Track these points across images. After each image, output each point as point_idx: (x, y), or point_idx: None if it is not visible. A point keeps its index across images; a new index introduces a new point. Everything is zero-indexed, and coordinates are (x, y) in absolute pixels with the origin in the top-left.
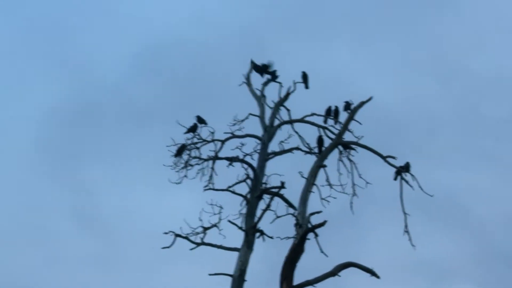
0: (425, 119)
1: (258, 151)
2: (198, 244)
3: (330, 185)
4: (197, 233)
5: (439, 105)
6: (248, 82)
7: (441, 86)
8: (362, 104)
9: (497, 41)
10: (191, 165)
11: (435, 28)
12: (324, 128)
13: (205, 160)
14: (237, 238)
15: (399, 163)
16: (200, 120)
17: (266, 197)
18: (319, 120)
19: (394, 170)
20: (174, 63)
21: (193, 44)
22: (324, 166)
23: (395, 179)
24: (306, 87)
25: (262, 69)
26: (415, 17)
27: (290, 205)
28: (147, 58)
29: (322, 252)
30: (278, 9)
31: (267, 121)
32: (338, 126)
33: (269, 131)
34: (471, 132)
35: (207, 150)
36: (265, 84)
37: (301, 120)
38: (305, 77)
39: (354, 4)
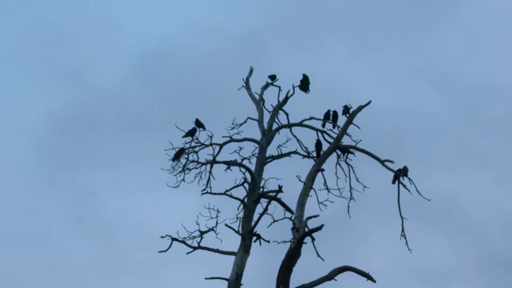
0: (422, 125)
1: (256, 155)
2: (194, 248)
3: (327, 189)
4: (194, 237)
5: (436, 111)
6: (247, 86)
7: (438, 92)
8: (360, 108)
9: (493, 48)
10: (189, 169)
11: (432, 35)
12: (322, 132)
13: (203, 164)
14: (234, 242)
15: (397, 167)
16: (199, 124)
17: (264, 201)
18: (318, 124)
19: (392, 174)
20: (172, 70)
21: (191, 50)
22: (322, 170)
23: (393, 183)
24: (306, 90)
25: None
26: (413, 24)
27: (287, 209)
28: (145, 64)
29: (318, 256)
30: (276, 16)
31: (265, 125)
32: (336, 130)
33: (268, 135)
34: (467, 136)
35: (205, 154)
36: (264, 88)
37: (300, 124)
38: (306, 79)
39: (353, 11)
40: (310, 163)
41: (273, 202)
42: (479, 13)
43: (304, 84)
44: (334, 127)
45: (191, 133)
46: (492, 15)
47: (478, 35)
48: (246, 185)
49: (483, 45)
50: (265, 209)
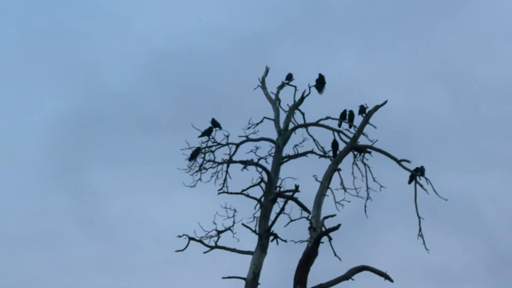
0: (433, 125)
1: (273, 154)
2: (211, 248)
3: (344, 188)
4: (211, 237)
5: (447, 111)
6: (263, 86)
7: (449, 93)
8: (377, 108)
9: (503, 48)
10: (205, 169)
11: (442, 35)
12: (338, 131)
13: (220, 163)
14: (251, 242)
15: (413, 167)
16: (215, 123)
17: (280, 201)
18: (334, 124)
19: (409, 174)
20: (183, 70)
21: (202, 51)
22: (339, 169)
23: (410, 182)
24: (320, 91)
25: None
26: (423, 25)
27: (304, 208)
28: (156, 65)
29: (335, 255)
30: (287, 16)
31: (281, 125)
32: (353, 130)
33: (284, 134)
34: (478, 136)
35: (221, 154)
36: (280, 87)
37: (316, 124)
38: (321, 79)
39: (364, 11)
40: (327, 162)
41: (290, 202)
42: (492, 12)
43: (320, 84)
44: (350, 126)
45: (207, 132)
46: (506, 14)
47: (491, 34)
48: (262, 184)
49: (493, 45)
50: (282, 209)
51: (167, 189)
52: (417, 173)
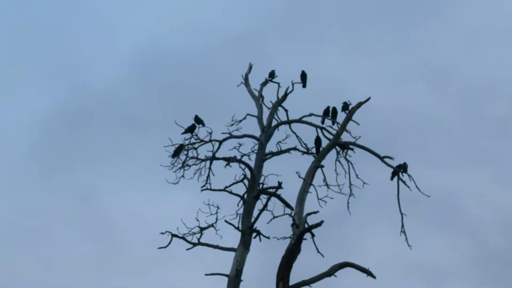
0: (418, 122)
1: (256, 151)
2: (194, 244)
3: (327, 185)
4: (194, 233)
5: (432, 109)
6: (246, 83)
7: (434, 90)
8: (360, 104)
9: (489, 46)
10: (189, 165)
11: (428, 32)
12: (322, 128)
13: (203, 160)
14: (233, 238)
15: (396, 163)
16: (198, 120)
17: (263, 197)
18: (317, 121)
19: (391, 170)
20: (168, 69)
21: (187, 49)
22: (322, 166)
23: (392, 179)
24: (304, 85)
25: None
26: (408, 22)
27: (287, 205)
28: (141, 63)
29: (318, 252)
30: (272, 15)
31: (265, 122)
32: (336, 127)
33: (267, 131)
34: (464, 134)
35: (204, 150)
36: (264, 84)
37: (299, 121)
38: (304, 75)
39: (349, 9)
40: (310, 159)
41: (273, 198)
42: (475, 11)
43: (303, 78)
44: (333, 123)
45: (190, 129)
46: (488, 12)
47: (474, 32)
48: (245, 181)
49: (479, 43)
50: (265, 205)
51: (151, 187)
52: (399, 170)
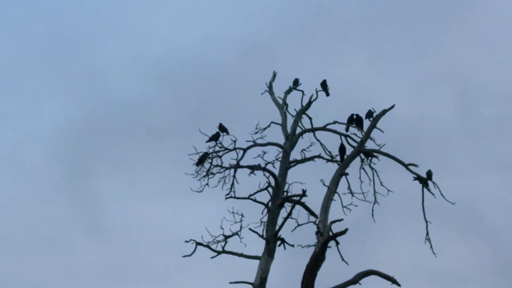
0: (441, 129)
1: (280, 159)
2: (219, 253)
3: (351, 193)
4: (218, 242)
5: (453, 115)
6: (270, 91)
7: (453, 96)
8: (384, 112)
9: (507, 52)
10: (213, 174)
11: (447, 40)
12: (346, 136)
13: (227, 168)
14: (258, 246)
15: (420, 171)
16: (222, 129)
17: (288, 205)
18: (341, 128)
19: (414, 177)
20: (190, 78)
21: (208, 59)
22: (346, 174)
23: (420, 182)
24: (327, 94)
25: None
26: (428, 30)
27: (311, 213)
28: (163, 72)
29: (343, 260)
30: (293, 23)
31: (289, 129)
32: (360, 134)
33: (291, 139)
34: (485, 139)
35: (228, 159)
36: (288, 92)
37: (323, 128)
38: (324, 84)
39: (370, 16)
40: (334, 167)
41: (297, 206)
42: (496, 17)
43: (324, 87)
44: (358, 130)
45: (214, 137)
46: (505, 19)
47: (493, 38)
48: (270, 189)
49: (497, 48)
50: (289, 213)
51: (175, 195)
52: (428, 179)
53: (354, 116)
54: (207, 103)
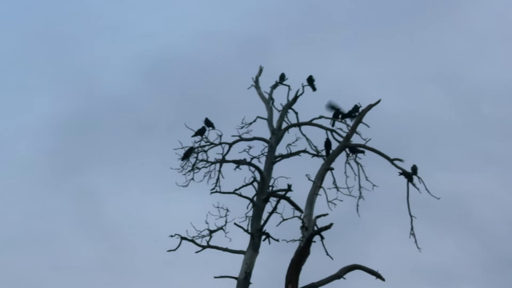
0: (426, 125)
1: (266, 154)
2: (204, 247)
3: (337, 188)
4: (203, 236)
5: (441, 111)
6: (256, 86)
7: (442, 92)
8: (370, 107)
9: (498, 48)
10: (198, 168)
11: (437, 35)
12: (332, 131)
13: (212, 163)
14: (243, 241)
15: (405, 166)
16: (208, 123)
17: (273, 200)
18: (327, 123)
19: (400, 172)
20: (178, 73)
21: (197, 54)
22: (331, 169)
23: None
24: (314, 89)
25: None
26: (418, 25)
27: (296, 208)
28: (151, 68)
29: (327, 254)
30: (282, 18)
31: (275, 124)
32: (346, 125)
33: (277, 134)
34: (472, 136)
35: (214, 153)
36: (274, 87)
37: (309, 123)
38: (310, 79)
39: (359, 12)
40: (319, 162)
41: (282, 201)
42: (484, 13)
43: (310, 82)
44: (342, 118)
45: (200, 132)
46: (497, 15)
47: (485, 35)
48: (255, 184)
49: (487, 45)
50: (274, 208)
51: (161, 190)
52: (413, 174)
53: (340, 111)
54: (193, 97)
